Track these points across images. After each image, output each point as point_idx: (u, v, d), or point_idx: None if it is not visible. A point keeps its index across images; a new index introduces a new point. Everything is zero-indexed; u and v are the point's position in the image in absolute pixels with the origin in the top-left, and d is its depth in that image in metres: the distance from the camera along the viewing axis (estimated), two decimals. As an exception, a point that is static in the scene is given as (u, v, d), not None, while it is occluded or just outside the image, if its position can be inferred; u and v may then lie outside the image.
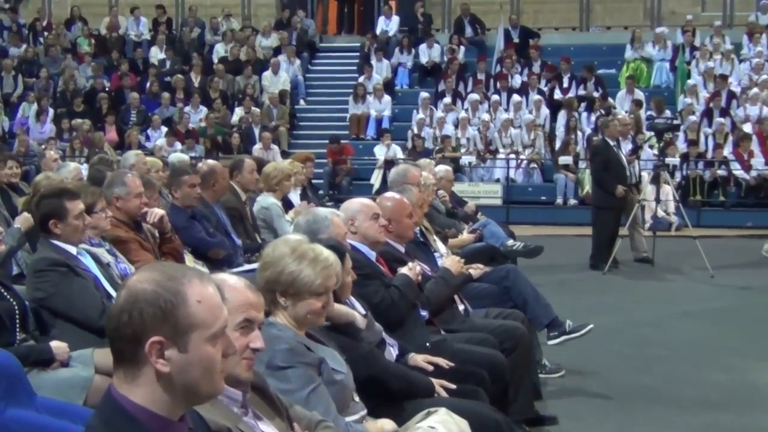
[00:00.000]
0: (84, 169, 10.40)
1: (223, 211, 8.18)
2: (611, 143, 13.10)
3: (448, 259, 6.42)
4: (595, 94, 20.49)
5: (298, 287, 3.78)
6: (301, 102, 22.44)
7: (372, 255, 5.53)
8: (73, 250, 5.38)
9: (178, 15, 24.00)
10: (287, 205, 9.28)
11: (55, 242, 5.35)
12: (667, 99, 20.44)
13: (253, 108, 20.82)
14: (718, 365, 8.12)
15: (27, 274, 5.56)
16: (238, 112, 21.07)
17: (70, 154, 18.48)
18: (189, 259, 7.06)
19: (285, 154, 17.82)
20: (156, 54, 22.86)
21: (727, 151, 18.85)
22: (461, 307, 6.40)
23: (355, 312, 4.53)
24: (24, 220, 6.77)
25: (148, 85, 21.91)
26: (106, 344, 2.46)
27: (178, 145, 19.23)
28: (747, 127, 19.20)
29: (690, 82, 20.38)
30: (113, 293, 5.13)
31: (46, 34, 23.65)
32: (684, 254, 13.34)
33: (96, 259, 5.55)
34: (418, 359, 5.00)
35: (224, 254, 7.46)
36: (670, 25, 22.39)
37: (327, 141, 20.19)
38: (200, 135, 20.25)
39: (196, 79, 22.09)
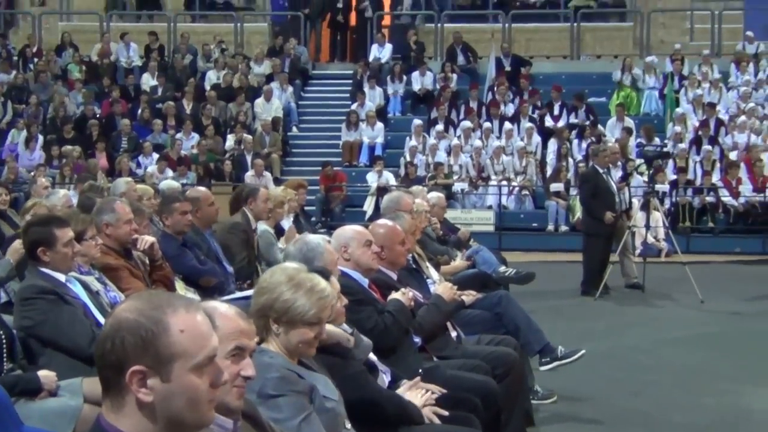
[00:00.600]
0: (74, 197, 10.39)
1: (215, 238, 8.17)
2: (600, 171, 13.16)
3: (440, 286, 6.44)
4: (586, 122, 20.56)
5: (291, 316, 3.78)
6: (294, 129, 22.47)
7: (365, 282, 5.54)
8: (62, 277, 5.35)
9: (170, 42, 24.03)
10: (279, 232, 9.28)
11: (44, 270, 5.32)
12: (657, 127, 20.54)
13: (245, 135, 20.83)
14: (710, 390, 8.13)
15: (15, 302, 5.54)
16: (231, 139, 21.08)
17: (60, 181, 18.45)
18: (180, 287, 7.05)
19: (277, 181, 17.83)
20: (148, 80, 22.86)
21: (715, 178, 18.96)
22: (454, 334, 6.40)
23: (342, 331, 4.52)
24: (14, 251, 6.71)
25: (139, 111, 21.90)
26: (95, 373, 2.46)
27: (170, 172, 19.21)
28: (735, 155, 19.29)
29: (679, 110, 20.48)
30: (103, 321, 5.12)
31: (36, 60, 23.62)
32: (674, 280, 13.37)
33: (85, 286, 5.52)
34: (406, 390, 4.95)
35: (216, 282, 7.45)
36: (659, 54, 22.50)
37: (320, 168, 20.22)
38: (192, 162, 20.23)
39: (188, 106, 22.10)
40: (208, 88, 22.54)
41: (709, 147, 19.38)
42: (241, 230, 8.43)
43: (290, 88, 22.51)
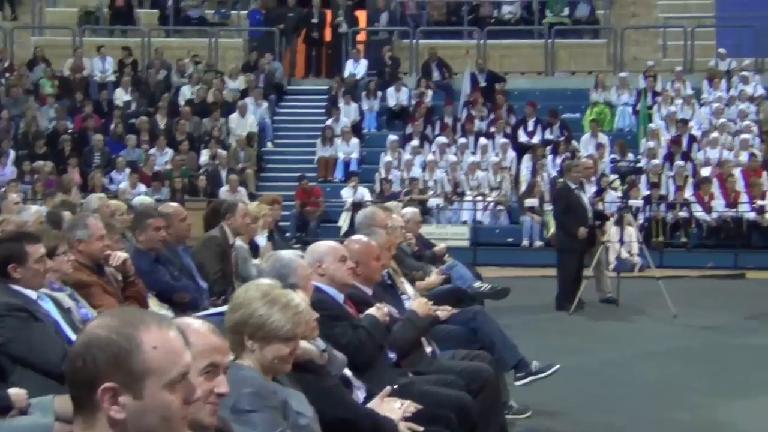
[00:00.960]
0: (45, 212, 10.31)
1: (189, 254, 8.14)
2: (573, 186, 13.20)
3: (415, 302, 6.43)
4: (560, 138, 20.65)
5: (266, 331, 3.77)
6: (269, 144, 22.44)
7: (340, 297, 5.53)
8: (33, 294, 5.30)
9: (143, 57, 23.98)
10: (254, 248, 9.25)
11: (14, 287, 5.26)
12: (630, 142, 20.64)
13: (219, 150, 20.79)
14: (683, 404, 8.16)
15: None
16: (205, 155, 21.03)
17: (32, 197, 18.33)
18: (153, 303, 7.01)
19: (252, 197, 17.77)
20: (121, 96, 22.77)
21: (688, 193, 19.08)
22: (428, 349, 6.40)
23: (314, 348, 4.50)
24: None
25: (112, 127, 21.80)
26: (67, 391, 2.44)
27: (142, 188, 19.14)
28: (707, 170, 19.42)
29: (652, 126, 20.60)
30: (74, 338, 5.07)
31: (7, 75, 23.48)
32: (647, 295, 13.41)
33: (57, 303, 5.48)
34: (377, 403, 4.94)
35: (189, 298, 7.42)
36: (632, 70, 22.65)
37: (295, 183, 20.19)
38: (166, 178, 20.17)
39: (161, 122, 22.03)
40: (182, 103, 22.48)
41: (682, 162, 19.51)
42: (216, 244, 8.39)
43: (265, 104, 22.49)
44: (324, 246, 5.61)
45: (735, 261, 18.03)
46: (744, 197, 18.89)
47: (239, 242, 8.86)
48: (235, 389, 3.33)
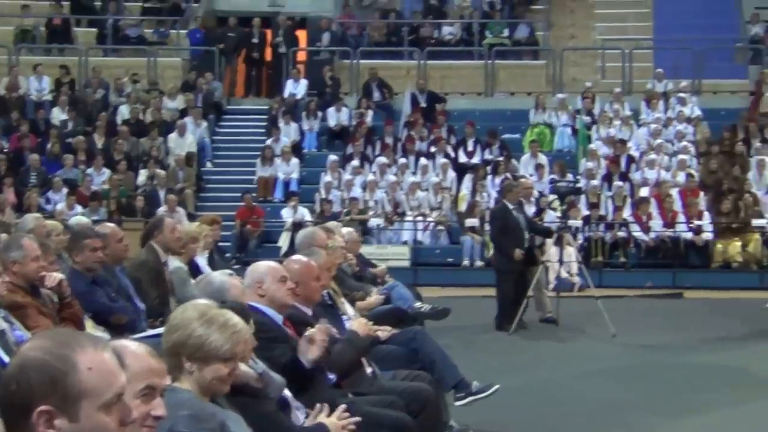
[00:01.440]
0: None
1: (127, 275, 8.03)
2: (511, 207, 13.23)
3: (355, 322, 6.41)
4: (500, 158, 20.76)
5: (205, 352, 3.73)
6: (208, 164, 22.32)
7: (279, 318, 5.49)
8: (-34, 316, 5.22)
9: (81, 75, 23.74)
10: (194, 269, 9.15)
11: (-53, 309, 5.18)
12: (569, 163, 20.83)
13: (158, 170, 20.62)
14: (623, 423, 8.20)
15: None
16: (143, 175, 20.85)
17: (-33, 217, 18.03)
18: (90, 325, 6.90)
19: (191, 217, 17.65)
20: (58, 115, 22.51)
21: (626, 213, 19.28)
22: (369, 370, 6.37)
23: (251, 371, 4.46)
24: None
25: (49, 146, 21.54)
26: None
27: (79, 208, 18.92)
28: (645, 191, 19.64)
29: (591, 146, 20.80)
30: (8, 361, 4.97)
31: (-58, 94, 23.15)
32: (587, 314, 13.50)
33: (-9, 325, 5.38)
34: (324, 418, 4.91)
35: (127, 320, 7.31)
36: (571, 91, 22.88)
37: (234, 203, 20.09)
38: (103, 198, 19.97)
39: (99, 141, 21.82)
40: (120, 122, 22.29)
41: (621, 183, 19.72)
42: (148, 269, 8.26)
43: (204, 123, 22.37)
44: (264, 266, 5.57)
45: (673, 280, 18.24)
46: (681, 217, 19.14)
47: (178, 263, 8.75)
48: (172, 412, 3.27)
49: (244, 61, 24.46)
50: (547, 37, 24.86)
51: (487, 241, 18.65)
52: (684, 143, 20.77)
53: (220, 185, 21.87)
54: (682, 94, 21.98)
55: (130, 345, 2.96)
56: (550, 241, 14.54)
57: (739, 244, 18.73)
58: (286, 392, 4.88)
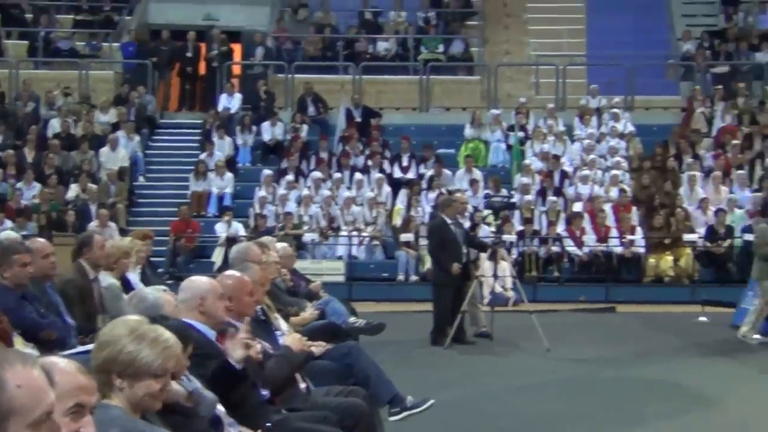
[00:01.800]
0: None
1: (56, 290, 7.90)
2: (449, 222, 13.29)
3: (288, 337, 6.36)
4: (434, 174, 20.83)
5: (136, 368, 3.67)
6: (141, 179, 22.10)
7: (212, 334, 5.43)
8: None
9: (11, 88, 23.40)
10: (126, 284, 9.04)
11: None
12: (504, 178, 20.97)
13: (89, 185, 20.37)
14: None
15: None
16: (74, 189, 20.58)
17: None
18: (18, 342, 6.77)
19: (123, 232, 17.47)
20: (-13, 129, 22.19)
21: (560, 228, 19.43)
22: (303, 385, 6.33)
23: (181, 389, 4.40)
24: None
25: (-22, 160, 21.22)
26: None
27: (9, 223, 18.62)
28: (579, 206, 19.82)
29: (525, 161, 20.96)
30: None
31: None
32: (521, 329, 13.55)
33: None
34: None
35: (56, 336, 7.20)
36: (506, 107, 23.04)
37: (167, 218, 19.91)
38: (33, 212, 19.67)
39: (29, 155, 21.51)
40: (50, 136, 21.99)
41: (554, 198, 19.88)
42: (73, 286, 8.14)
43: (137, 137, 22.17)
44: (205, 283, 5.52)
45: (606, 294, 18.41)
46: (614, 232, 19.34)
47: (111, 279, 8.64)
48: (102, 429, 3.21)
49: (177, 74, 24.30)
50: (482, 53, 25.06)
51: (422, 255, 18.73)
52: (617, 159, 21.01)
53: (153, 200, 21.67)
54: (615, 110, 22.25)
55: (60, 362, 2.90)
56: (484, 256, 14.60)
57: (670, 258, 18.96)
58: (220, 408, 4.82)
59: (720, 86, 22.84)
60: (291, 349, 6.08)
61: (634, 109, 22.99)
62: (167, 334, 3.82)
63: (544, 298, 17.54)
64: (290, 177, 20.91)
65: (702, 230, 19.24)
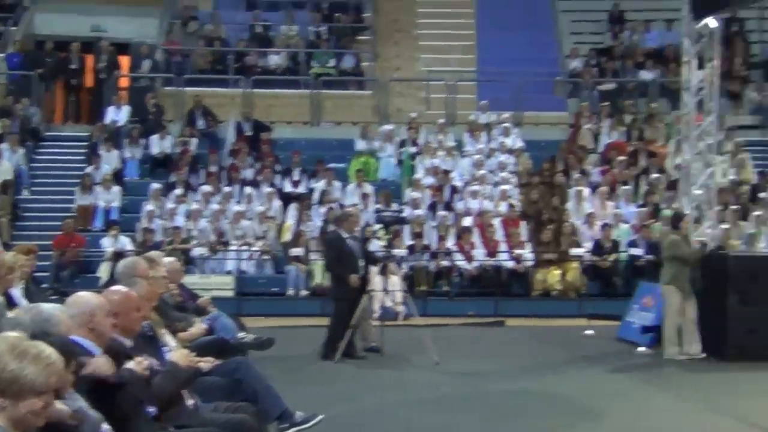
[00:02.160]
0: None
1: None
2: (345, 236, 13.31)
3: (176, 353, 6.26)
4: (325, 188, 20.78)
5: (20, 386, 3.57)
6: (25, 192, 21.58)
7: (97, 351, 5.30)
8: None
9: None
10: (9, 300, 8.78)
11: None
12: (394, 193, 21.02)
13: (-30, 199, 19.83)
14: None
15: None
16: (-46, 204, 20.01)
17: None
18: None
19: (7, 247, 16.95)
20: None
21: (450, 243, 19.55)
22: (190, 402, 6.22)
23: (65, 407, 4.29)
24: None
25: None
26: None
27: None
28: (469, 220, 19.97)
29: (415, 176, 21.06)
30: None
31: None
32: (411, 343, 13.59)
33: None
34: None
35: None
36: (396, 121, 23.13)
37: (53, 232, 19.46)
38: None
39: None
40: (-69, 148, 21.35)
41: (444, 212, 20.00)
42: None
43: (21, 150, 21.65)
44: (93, 299, 5.42)
45: (495, 308, 18.56)
46: (503, 246, 19.54)
47: (-8, 294, 8.40)
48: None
49: (63, 86, 23.83)
50: (373, 68, 25.14)
51: (312, 270, 18.67)
52: (506, 174, 21.25)
53: (38, 214, 21.16)
54: (504, 126, 22.50)
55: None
56: (375, 270, 14.62)
57: (558, 272, 19.22)
58: (105, 427, 4.71)
59: (607, 103, 23.31)
60: (178, 365, 5.97)
61: (523, 125, 23.26)
62: (49, 350, 3.73)
63: (434, 312, 17.62)
64: (179, 191, 20.64)
65: (589, 245, 19.56)
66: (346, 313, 13.02)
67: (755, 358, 12.70)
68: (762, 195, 20.20)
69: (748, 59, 25.15)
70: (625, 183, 20.99)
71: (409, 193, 20.61)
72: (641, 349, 14.08)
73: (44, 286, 16.38)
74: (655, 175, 20.88)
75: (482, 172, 21.13)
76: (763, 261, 14.24)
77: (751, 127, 23.66)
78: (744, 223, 19.20)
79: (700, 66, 14.99)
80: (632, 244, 19.29)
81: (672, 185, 19.63)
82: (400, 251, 18.19)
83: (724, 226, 17.65)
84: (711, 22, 14.66)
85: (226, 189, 20.74)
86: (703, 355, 13.28)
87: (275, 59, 24.85)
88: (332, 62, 24.83)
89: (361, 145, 22.24)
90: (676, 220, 14.06)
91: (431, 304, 18.22)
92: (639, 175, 21.31)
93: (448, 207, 20.37)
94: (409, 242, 19.38)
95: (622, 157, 21.52)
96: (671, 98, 22.76)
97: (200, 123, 22.94)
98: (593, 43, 26.12)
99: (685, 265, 13.40)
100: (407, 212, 19.64)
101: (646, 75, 24.58)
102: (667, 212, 19.25)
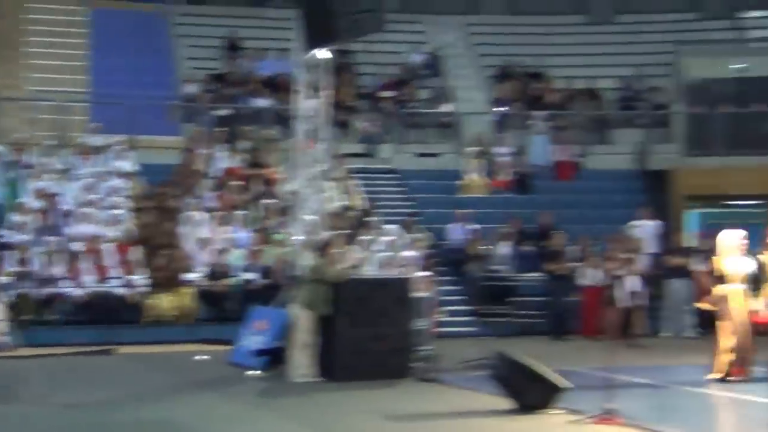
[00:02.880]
0: None
1: None
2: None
3: None
4: None
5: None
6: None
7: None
8: None
9: None
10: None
11: None
12: (-1, 216, 19.97)
13: None
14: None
15: None
16: None
17: None
18: None
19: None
20: None
21: (58, 269, 18.82)
22: None
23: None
24: None
25: None
26: None
27: None
28: (79, 245, 19.34)
29: (21, 199, 20.13)
30: None
31: None
32: (17, 375, 12.90)
33: None
34: None
35: None
36: (3, 142, 21.98)
37: None
38: None
39: None
40: None
41: (53, 237, 19.24)
42: None
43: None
44: None
45: (105, 336, 18.04)
46: (115, 272, 19.07)
47: None
48: None
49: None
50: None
51: None
52: (118, 198, 20.80)
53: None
54: (117, 149, 22.00)
55: None
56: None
57: (171, 298, 19.03)
58: None
59: (223, 128, 23.41)
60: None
61: (138, 149, 22.81)
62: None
63: (42, 341, 16.94)
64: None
65: (203, 269, 19.52)
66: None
67: (363, 378, 13.22)
68: (369, 219, 21.03)
69: (357, 90, 26.20)
70: (239, 208, 21.16)
71: (14, 217, 19.65)
72: (251, 372, 14.22)
73: None
74: (268, 201, 21.21)
75: (94, 196, 20.53)
76: (370, 284, 14.80)
77: (359, 155, 24.62)
78: (352, 247, 19.87)
79: (312, 95, 15.35)
80: (246, 268, 19.47)
81: (285, 210, 19.99)
82: (4, 278, 17.27)
83: (335, 250, 18.18)
84: (321, 53, 15.04)
85: None
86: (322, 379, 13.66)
87: None
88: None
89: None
90: (324, 245, 14.47)
91: (39, 333, 17.49)
92: (254, 200, 21.56)
93: (57, 232, 19.59)
94: (14, 269, 18.45)
95: (237, 182, 21.69)
96: (285, 125, 23.19)
97: None
98: (210, 69, 26.23)
99: (325, 289, 13.78)
100: (12, 236, 18.71)
101: (261, 102, 24.93)
102: (279, 236, 19.71)
